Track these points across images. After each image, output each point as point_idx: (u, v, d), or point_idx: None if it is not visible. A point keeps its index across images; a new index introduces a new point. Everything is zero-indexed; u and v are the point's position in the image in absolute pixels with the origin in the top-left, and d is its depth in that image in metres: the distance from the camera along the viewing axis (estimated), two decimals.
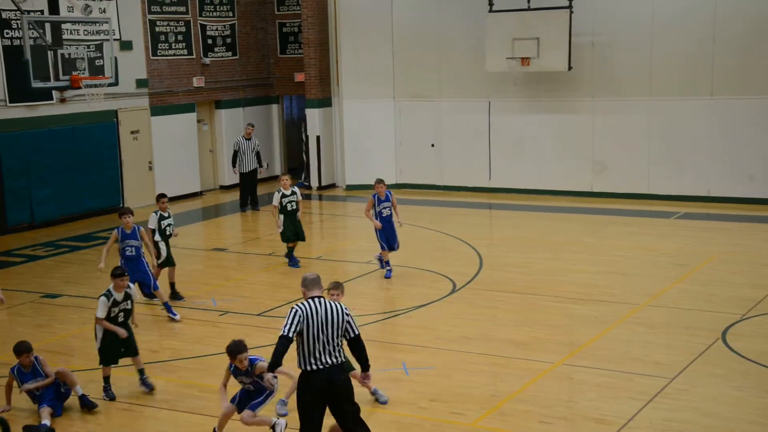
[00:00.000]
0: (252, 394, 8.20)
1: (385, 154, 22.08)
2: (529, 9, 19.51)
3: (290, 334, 6.85)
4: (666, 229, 16.97)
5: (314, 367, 6.90)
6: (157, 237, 12.77)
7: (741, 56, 18.44)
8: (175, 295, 12.82)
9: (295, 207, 14.40)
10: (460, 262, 14.65)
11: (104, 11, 19.32)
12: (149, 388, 9.44)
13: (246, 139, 19.81)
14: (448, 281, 13.46)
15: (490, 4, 19.94)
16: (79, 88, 17.64)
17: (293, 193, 14.46)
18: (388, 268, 13.76)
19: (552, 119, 20.40)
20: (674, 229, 16.98)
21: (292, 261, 14.56)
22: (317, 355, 6.90)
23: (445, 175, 21.70)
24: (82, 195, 19.33)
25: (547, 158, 20.54)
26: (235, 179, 20.62)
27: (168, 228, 12.91)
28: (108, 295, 9.27)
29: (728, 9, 18.45)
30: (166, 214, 12.93)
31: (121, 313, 9.36)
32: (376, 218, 13.66)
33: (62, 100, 18.79)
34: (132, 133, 20.59)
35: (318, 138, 22.38)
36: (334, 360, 6.95)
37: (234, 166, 19.87)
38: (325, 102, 22.48)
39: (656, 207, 18.82)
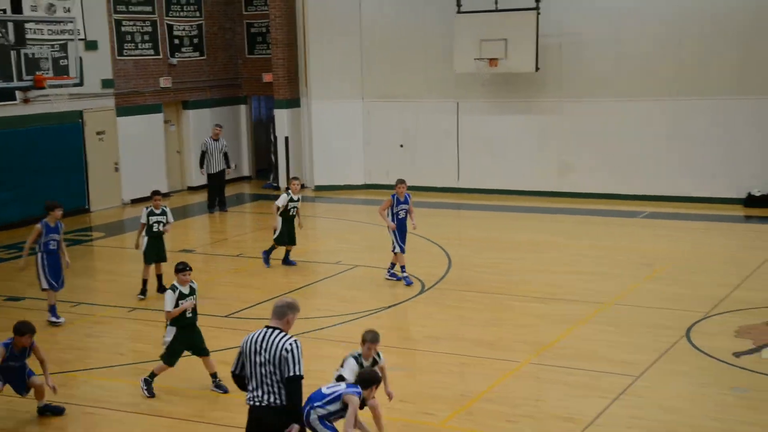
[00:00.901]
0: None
1: (354, 155, 22.08)
2: (496, 10, 19.63)
3: (235, 371, 6.31)
4: (632, 228, 17.16)
5: (250, 402, 6.22)
6: (144, 232, 12.94)
7: (703, 57, 18.71)
8: (162, 289, 12.77)
9: (295, 213, 14.33)
10: (429, 262, 14.68)
11: (69, 11, 19.08)
12: (223, 390, 9.28)
13: (213, 139, 19.69)
14: (416, 281, 13.49)
15: (458, 5, 20.03)
16: (43, 88, 17.41)
17: (299, 199, 14.44)
18: (405, 274, 13.16)
19: (519, 120, 20.53)
20: (640, 228, 17.18)
21: (269, 260, 14.50)
22: (251, 389, 6.21)
23: (413, 175, 21.68)
24: (46, 196, 18.98)
25: (514, 159, 20.67)
26: (203, 180, 20.48)
27: (155, 225, 12.94)
28: (174, 288, 9.29)
29: (690, 11, 18.71)
30: (158, 211, 12.97)
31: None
32: (392, 220, 13.27)
33: (26, 101, 18.51)
34: (98, 133, 20.36)
35: (286, 139, 22.30)
36: (269, 400, 6.11)
37: (201, 167, 19.73)
38: (293, 102, 22.42)
39: (622, 207, 19.02)
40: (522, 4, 19.44)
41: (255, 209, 20.93)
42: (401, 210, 13.39)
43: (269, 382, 6.12)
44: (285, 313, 6.27)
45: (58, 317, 11.83)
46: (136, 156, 21.05)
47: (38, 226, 11.93)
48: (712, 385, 9.22)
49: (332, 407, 7.31)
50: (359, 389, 7.41)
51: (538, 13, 19.33)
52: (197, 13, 23.06)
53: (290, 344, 6.11)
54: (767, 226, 17.19)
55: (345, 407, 7.29)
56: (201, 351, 9.47)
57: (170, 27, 22.23)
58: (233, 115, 24.17)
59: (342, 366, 7.93)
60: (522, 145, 20.57)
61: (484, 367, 9.92)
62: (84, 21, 19.65)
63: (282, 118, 22.29)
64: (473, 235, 17.39)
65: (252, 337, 6.24)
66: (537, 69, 19.46)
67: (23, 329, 8.75)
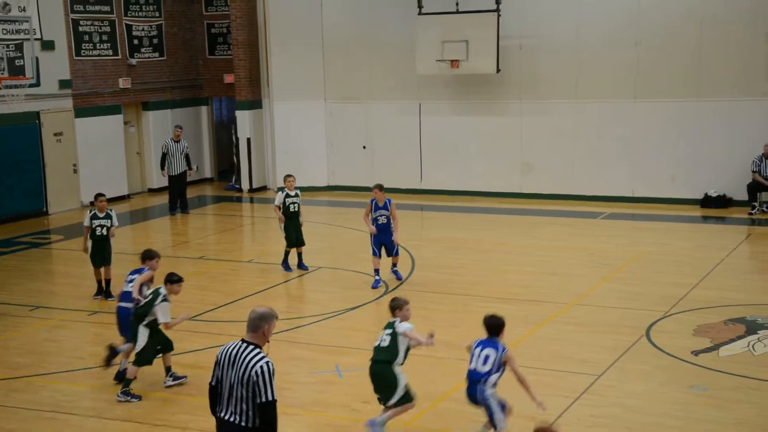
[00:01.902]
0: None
1: (317, 156, 22.03)
2: (457, 12, 19.73)
3: (212, 382, 6.05)
4: (592, 229, 17.36)
5: (218, 414, 6.00)
6: (88, 235, 12.84)
7: (663, 59, 19.00)
8: (107, 294, 12.88)
9: (296, 209, 14.07)
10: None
11: (24, 9, 18.74)
12: (179, 379, 9.57)
13: (174, 141, 19.50)
14: (381, 283, 13.48)
15: (420, 6, 20.09)
16: None
17: (297, 194, 14.17)
18: (377, 278, 13.20)
19: (481, 121, 20.66)
20: (600, 229, 17.39)
21: (289, 265, 14.16)
22: (223, 403, 5.94)
23: (376, 176, 21.68)
24: (2, 199, 18.72)
25: (476, 159, 20.79)
26: (164, 182, 20.27)
27: (98, 228, 12.84)
28: (166, 298, 9.42)
29: (650, 13, 18.99)
30: (102, 214, 12.89)
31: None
32: (373, 225, 13.21)
33: None
34: (55, 135, 20.04)
35: (248, 140, 22.17)
36: (232, 419, 5.83)
37: (162, 168, 19.53)
38: (255, 104, 22.30)
39: (583, 207, 19.23)
40: (483, 6, 19.57)
41: (217, 211, 20.77)
42: (381, 216, 13.29)
43: (239, 401, 5.83)
44: (259, 325, 5.91)
45: None
46: (96, 158, 20.76)
47: None
48: (671, 383, 9.36)
49: (498, 373, 7.75)
50: (503, 344, 7.83)
51: (499, 15, 19.47)
52: (157, 13, 22.82)
53: (260, 368, 5.74)
54: (723, 226, 17.52)
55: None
56: (169, 347, 9.59)
57: (129, 27, 21.97)
58: (194, 116, 23.96)
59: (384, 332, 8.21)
60: (484, 146, 20.70)
61: (449, 367, 9.96)
62: (40, 20, 19.32)
63: (244, 119, 22.15)
64: (436, 236, 17.45)
65: (227, 350, 5.97)
66: (498, 70, 19.61)
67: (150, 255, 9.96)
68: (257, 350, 5.86)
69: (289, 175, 14.38)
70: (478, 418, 8.60)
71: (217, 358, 6.03)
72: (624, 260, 14.57)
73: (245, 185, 22.36)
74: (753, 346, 10.35)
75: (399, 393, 8.03)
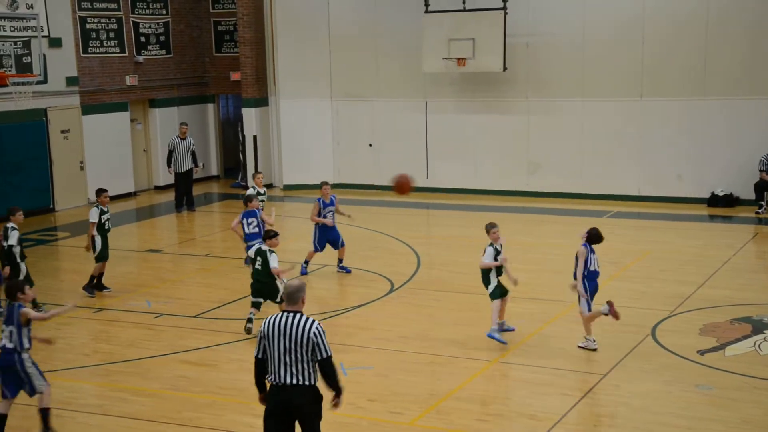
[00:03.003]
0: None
1: (323, 154, 22.03)
2: (464, 10, 19.70)
3: (258, 355, 6.66)
4: (598, 227, 17.28)
5: (273, 381, 6.56)
6: (94, 231, 12.84)
7: (669, 58, 18.95)
8: (100, 287, 13.01)
9: (261, 207, 14.17)
10: (398, 261, 14.70)
11: (32, 7, 18.81)
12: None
13: (181, 138, 19.54)
14: (386, 281, 13.50)
15: (426, 4, 20.07)
16: (6, 86, 17.18)
17: (264, 192, 14.58)
18: (305, 265, 13.75)
19: (487, 119, 20.63)
20: (606, 227, 17.15)
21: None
22: (277, 370, 6.52)
23: (382, 174, 21.72)
24: (9, 196, 18.76)
25: (482, 158, 20.77)
26: (170, 179, 20.31)
27: (107, 223, 12.96)
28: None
29: (657, 12, 18.94)
30: (106, 209, 12.99)
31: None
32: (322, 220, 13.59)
33: None
34: (62, 132, 20.10)
35: (255, 138, 22.19)
36: (295, 380, 6.46)
37: (169, 165, 19.57)
38: (261, 101, 22.31)
39: (589, 206, 19.20)
40: (490, 4, 19.54)
41: (223, 209, 20.80)
42: (328, 212, 13.67)
43: (295, 363, 6.46)
44: (297, 296, 6.60)
45: None
46: (102, 155, 20.82)
47: None
48: (677, 382, 9.34)
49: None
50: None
51: (506, 13, 19.44)
52: (163, 11, 22.86)
53: (316, 329, 6.49)
54: (730, 225, 17.47)
55: None
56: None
57: (136, 24, 22.01)
58: (201, 113, 24.00)
59: (484, 253, 10.49)
60: (490, 144, 20.68)
61: (453, 366, 9.96)
62: (47, 18, 19.38)
63: (250, 116, 22.17)
64: (442, 234, 17.45)
65: (272, 322, 6.55)
66: (505, 68, 19.57)
67: None
68: (305, 316, 6.56)
69: (258, 172, 15.13)
70: (482, 417, 8.61)
71: (264, 332, 6.57)
72: (630, 259, 14.54)
73: (251, 183, 22.36)
74: (759, 346, 10.33)
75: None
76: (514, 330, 10.90)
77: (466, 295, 12.66)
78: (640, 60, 19.14)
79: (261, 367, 6.68)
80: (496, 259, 10.50)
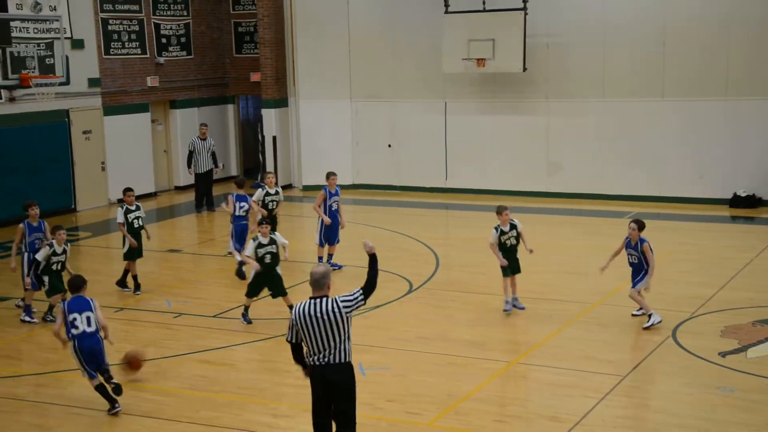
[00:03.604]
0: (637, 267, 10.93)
1: (342, 155, 22.06)
2: (484, 11, 19.66)
3: (291, 340, 7.04)
4: (619, 228, 17.15)
5: (315, 362, 6.93)
6: (125, 230, 13.00)
7: (691, 58, 18.81)
8: (123, 284, 13.12)
9: (275, 207, 14.35)
10: (417, 262, 14.69)
11: (55, 9, 18.99)
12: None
13: (201, 139, 19.64)
14: (404, 281, 13.50)
15: (446, 5, 20.04)
16: (29, 87, 17.35)
17: (276, 192, 14.43)
18: (330, 262, 13.96)
19: (507, 120, 20.57)
20: (626, 228, 17.18)
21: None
22: (315, 352, 6.91)
23: (401, 175, 21.76)
24: (32, 196, 18.89)
25: (502, 159, 20.71)
26: (190, 180, 20.43)
27: (135, 221, 13.05)
28: (254, 239, 10.99)
29: (678, 11, 18.81)
30: (132, 207, 13.09)
31: (268, 255, 11.25)
32: (325, 212, 13.80)
33: (11, 100, 18.42)
34: (84, 133, 20.27)
35: (274, 138, 22.26)
36: (333, 359, 6.89)
37: (189, 166, 19.68)
38: (281, 102, 22.38)
39: (609, 207, 19.09)
40: (509, 5, 19.48)
41: None
42: (334, 202, 13.89)
43: (331, 343, 6.85)
44: (323, 282, 6.94)
45: (32, 318, 11.96)
46: (123, 155, 20.97)
47: (21, 225, 11.92)
48: (698, 384, 9.27)
49: None
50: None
51: (526, 14, 19.38)
52: (184, 12, 22.99)
53: (340, 302, 6.86)
54: (752, 226, 17.30)
55: None
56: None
57: (157, 26, 22.16)
58: (221, 114, 24.11)
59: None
60: (510, 145, 20.61)
61: (472, 367, 9.93)
62: (70, 20, 19.55)
63: (270, 117, 22.24)
64: (461, 235, 17.42)
65: (303, 310, 6.89)
66: (524, 69, 19.51)
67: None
68: (329, 298, 6.92)
69: (269, 172, 15.49)
70: (501, 418, 8.59)
71: (296, 320, 6.91)
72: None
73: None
74: None
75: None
76: (524, 308, 11.73)
77: (485, 296, 12.63)
78: (662, 60, 19.00)
79: (296, 348, 7.06)
80: (500, 241, 11.60)
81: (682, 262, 14.34)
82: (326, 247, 14.08)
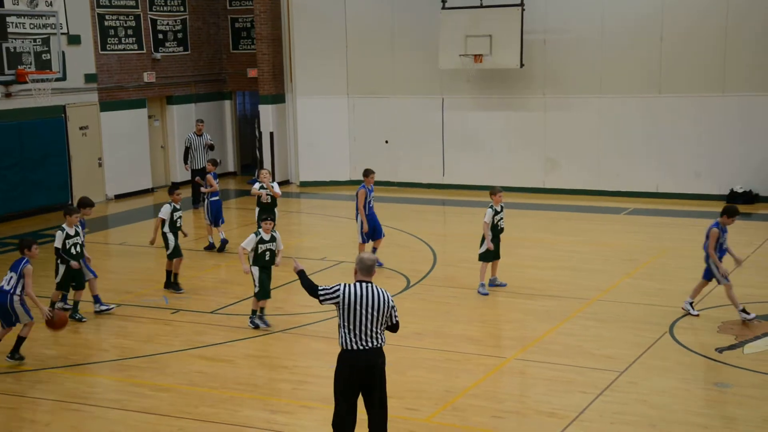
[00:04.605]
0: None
1: (339, 151, 22.06)
2: (481, 6, 19.66)
3: (320, 296, 7.08)
4: (616, 224, 17.24)
5: (355, 346, 7.01)
6: (166, 228, 12.91)
7: (687, 54, 18.82)
8: (175, 287, 13.01)
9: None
10: (414, 258, 14.69)
11: (51, 5, 18.95)
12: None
13: (197, 135, 19.61)
14: (402, 277, 13.50)
15: (443, 1, 20.03)
16: (26, 82, 17.32)
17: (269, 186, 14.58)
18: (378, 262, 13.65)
19: (504, 116, 20.58)
20: (624, 224, 17.27)
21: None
22: (361, 336, 7.00)
23: (398, 171, 21.76)
24: (28, 192, 18.94)
25: (499, 155, 20.72)
26: (188, 176, 20.39)
27: (179, 220, 13.04)
28: (257, 234, 10.89)
29: (675, 7, 18.82)
30: (178, 206, 13.10)
31: (268, 252, 11.10)
32: (365, 211, 13.56)
33: (8, 95, 18.38)
34: (81, 128, 20.23)
35: (271, 134, 22.25)
36: (375, 343, 7.05)
37: (186, 162, 19.65)
38: (278, 98, 22.36)
39: (606, 203, 19.11)
40: (507, 1, 19.47)
41: (239, 205, 20.85)
42: (372, 198, 13.80)
43: (374, 329, 7.04)
44: (373, 269, 7.16)
45: (107, 305, 12.03)
46: (120, 151, 20.94)
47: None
48: (695, 380, 9.29)
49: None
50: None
51: (523, 9, 19.37)
52: (181, 8, 22.94)
53: (392, 300, 7.16)
54: (749, 222, 17.32)
55: None
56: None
57: (154, 21, 22.11)
58: (218, 110, 24.08)
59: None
60: (507, 141, 20.62)
61: (470, 363, 9.94)
62: (66, 15, 19.51)
63: (267, 113, 22.23)
64: (458, 231, 17.42)
65: (353, 291, 7.02)
66: (522, 65, 19.50)
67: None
68: (380, 288, 7.13)
69: (263, 168, 16.03)
70: (498, 414, 8.60)
71: (344, 299, 7.00)
72: (648, 256, 14.46)
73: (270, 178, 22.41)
74: None
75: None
76: (505, 285, 12.51)
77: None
78: (659, 56, 19.01)
79: (313, 292, 7.16)
80: (493, 221, 12.26)
81: (680, 258, 14.36)
82: (369, 242, 13.81)
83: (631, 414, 8.52)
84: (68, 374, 9.73)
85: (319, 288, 7.11)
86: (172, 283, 13.05)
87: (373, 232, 13.70)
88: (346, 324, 7.03)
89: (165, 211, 12.94)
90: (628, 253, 14.74)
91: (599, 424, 8.32)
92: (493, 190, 12.49)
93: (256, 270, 11.04)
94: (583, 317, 11.44)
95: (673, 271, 13.59)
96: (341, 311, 7.03)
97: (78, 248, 11.53)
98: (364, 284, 7.06)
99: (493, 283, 12.59)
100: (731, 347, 10.16)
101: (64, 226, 11.46)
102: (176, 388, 9.38)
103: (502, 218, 12.55)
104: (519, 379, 9.66)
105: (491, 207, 12.40)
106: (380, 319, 7.04)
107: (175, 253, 12.97)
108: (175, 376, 9.68)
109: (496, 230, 12.46)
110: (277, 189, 14.54)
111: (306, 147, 22.14)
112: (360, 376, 7.09)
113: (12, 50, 17.46)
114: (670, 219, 17.58)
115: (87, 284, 11.85)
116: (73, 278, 11.58)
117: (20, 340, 10.09)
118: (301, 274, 7.39)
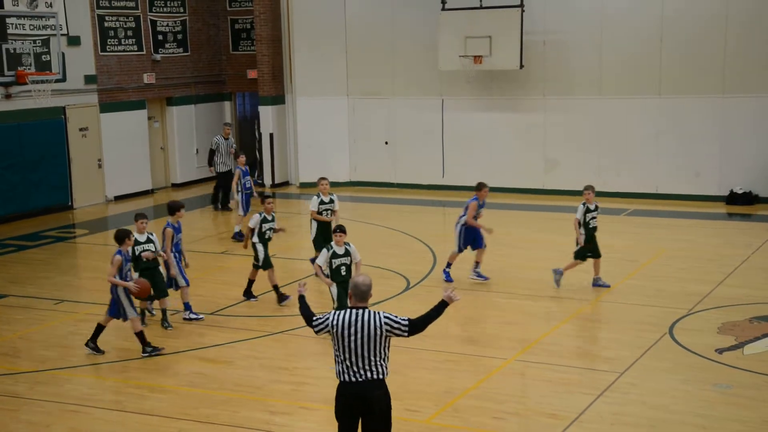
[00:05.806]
0: None
1: (339, 152, 22.06)
2: (481, 7, 19.66)
3: (314, 327, 6.71)
4: (616, 225, 17.24)
5: (348, 378, 6.53)
6: (255, 239, 12.24)
7: (687, 56, 18.83)
8: (281, 298, 12.23)
9: (330, 215, 13.37)
10: (414, 259, 14.70)
11: (51, 5, 18.95)
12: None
13: (224, 138, 19.63)
14: (401, 278, 13.50)
15: (443, 2, 20.03)
16: (25, 83, 17.31)
17: (331, 200, 13.45)
18: (448, 270, 13.23)
19: (504, 117, 20.58)
20: (624, 225, 17.27)
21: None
22: (354, 366, 6.50)
23: (398, 172, 21.77)
24: (28, 193, 18.94)
25: (499, 156, 20.72)
26: (188, 177, 20.41)
27: (268, 232, 12.33)
28: (329, 248, 10.56)
29: (675, 9, 18.82)
30: (269, 217, 12.32)
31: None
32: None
33: (7, 96, 18.38)
34: (80, 130, 20.23)
35: (271, 135, 22.25)
36: (371, 375, 6.50)
37: (210, 165, 19.62)
38: (278, 99, 22.36)
39: (606, 204, 19.00)
40: (506, 2, 19.48)
41: None
42: (479, 213, 13.24)
43: (370, 358, 6.48)
44: (369, 295, 6.66)
45: (196, 314, 11.67)
46: (120, 153, 20.94)
47: (169, 229, 11.57)
48: (695, 381, 9.29)
49: None
50: None
51: (523, 11, 19.38)
52: (181, 9, 22.95)
53: (384, 317, 6.54)
54: (749, 223, 17.33)
55: None
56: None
57: (153, 23, 22.11)
58: (218, 111, 24.09)
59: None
60: (507, 142, 20.63)
61: (470, 364, 9.94)
62: (66, 16, 19.51)
63: (267, 114, 22.23)
64: None
65: (343, 318, 6.52)
66: (521, 66, 19.51)
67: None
68: (370, 311, 6.58)
69: (322, 178, 13.70)
70: (498, 415, 8.60)
71: (332, 327, 6.55)
72: (647, 257, 14.46)
73: (267, 181, 22.44)
74: None
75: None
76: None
77: (482, 293, 12.64)
78: (659, 57, 19.02)
79: (308, 322, 6.81)
80: (585, 219, 12.56)
81: (679, 259, 14.36)
82: (463, 252, 13.30)
83: (630, 415, 8.51)
84: (68, 376, 9.73)
85: (314, 317, 6.72)
86: (279, 294, 12.21)
87: (473, 242, 13.16)
88: (339, 353, 6.52)
89: (254, 221, 12.18)
90: (627, 254, 14.74)
91: (599, 425, 8.32)
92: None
93: (334, 287, 10.46)
94: (583, 318, 11.44)
95: (672, 272, 13.59)
96: (333, 341, 6.57)
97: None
98: (355, 311, 6.53)
99: (596, 283, 12.69)
100: (732, 348, 10.15)
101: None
102: (176, 390, 9.38)
103: (594, 217, 12.69)
104: (519, 380, 9.65)
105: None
106: (375, 347, 6.47)
107: (266, 265, 12.13)
108: (175, 378, 9.68)
109: (587, 229, 12.61)
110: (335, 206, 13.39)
111: (306, 148, 22.14)
112: (357, 410, 6.55)
113: (12, 51, 17.46)
114: (669, 220, 17.58)
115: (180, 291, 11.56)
116: (155, 285, 11.01)
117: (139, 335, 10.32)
118: (301, 300, 7.07)
